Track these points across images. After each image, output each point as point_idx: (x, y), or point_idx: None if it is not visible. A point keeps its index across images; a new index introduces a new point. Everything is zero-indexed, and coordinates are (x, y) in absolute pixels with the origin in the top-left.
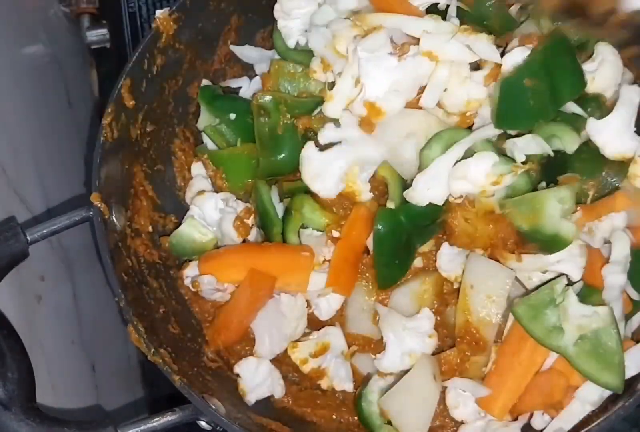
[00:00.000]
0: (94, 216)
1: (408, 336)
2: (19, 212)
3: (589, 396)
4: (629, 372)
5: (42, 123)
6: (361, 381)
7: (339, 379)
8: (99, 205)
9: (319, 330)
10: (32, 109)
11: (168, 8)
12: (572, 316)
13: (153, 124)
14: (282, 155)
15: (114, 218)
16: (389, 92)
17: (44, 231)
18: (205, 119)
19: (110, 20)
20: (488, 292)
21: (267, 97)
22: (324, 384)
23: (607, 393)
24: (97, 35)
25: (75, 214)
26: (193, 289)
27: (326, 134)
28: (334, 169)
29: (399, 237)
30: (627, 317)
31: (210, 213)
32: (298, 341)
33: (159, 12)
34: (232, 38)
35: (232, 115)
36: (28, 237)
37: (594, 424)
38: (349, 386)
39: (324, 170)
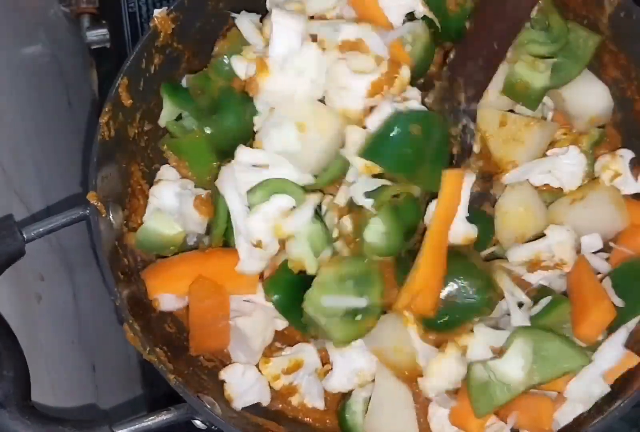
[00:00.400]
0: (91, 214)
1: (356, 354)
2: (19, 211)
3: (575, 394)
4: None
5: (41, 123)
6: (336, 397)
7: (311, 396)
8: (96, 204)
9: (292, 346)
10: (32, 109)
11: (166, 7)
12: (508, 379)
13: (151, 123)
14: (228, 121)
15: (110, 217)
16: (290, 62)
17: (41, 229)
18: (167, 115)
19: (110, 20)
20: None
21: (195, 76)
22: (294, 400)
23: (596, 391)
24: (97, 35)
25: (72, 212)
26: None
27: (241, 158)
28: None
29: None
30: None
31: (170, 201)
32: (272, 356)
33: (157, 11)
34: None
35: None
36: (24, 235)
37: (590, 425)
38: (320, 404)
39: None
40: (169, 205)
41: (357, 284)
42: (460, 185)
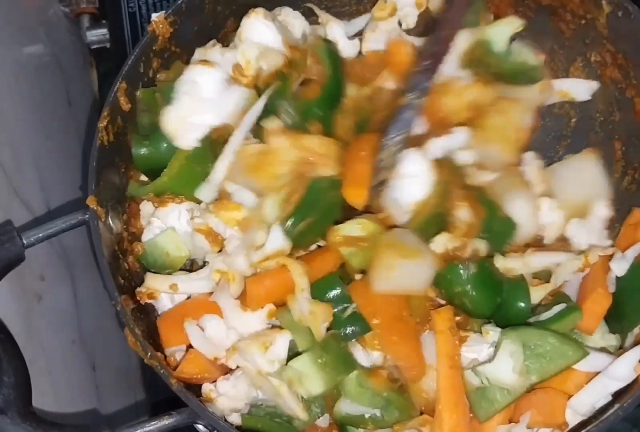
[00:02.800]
0: (90, 219)
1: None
2: (19, 211)
3: (580, 408)
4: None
5: (42, 123)
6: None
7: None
8: (95, 208)
9: None
10: (32, 109)
11: (164, 11)
12: (501, 382)
13: None
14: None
15: (110, 222)
16: None
17: (40, 235)
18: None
19: (110, 20)
20: None
21: (145, 90)
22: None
23: (600, 404)
24: (97, 35)
25: (72, 217)
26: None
27: None
28: None
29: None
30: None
31: (175, 225)
32: None
33: (154, 15)
34: (228, 41)
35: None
36: (24, 241)
37: (592, 425)
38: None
39: None
40: (178, 229)
41: (384, 408)
42: (451, 321)
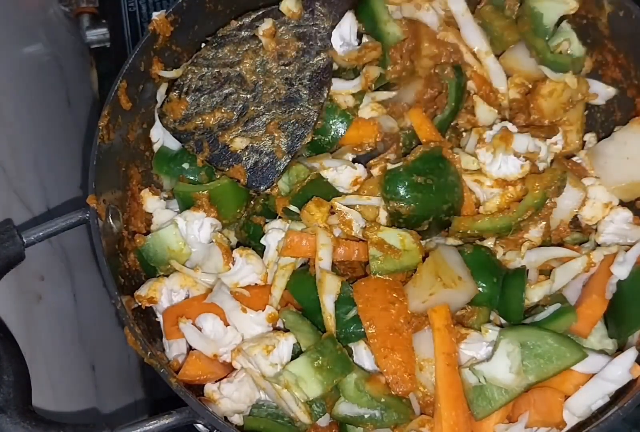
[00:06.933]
0: (90, 218)
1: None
2: (19, 211)
3: (576, 409)
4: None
5: (42, 122)
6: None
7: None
8: (95, 207)
9: None
10: (32, 109)
11: (164, 10)
12: (498, 381)
13: (150, 126)
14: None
15: (110, 220)
16: None
17: (40, 233)
18: (168, 184)
19: (110, 20)
20: None
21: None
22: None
23: (596, 405)
24: (97, 34)
25: (72, 216)
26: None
27: None
28: None
29: None
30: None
31: (195, 232)
32: None
33: (155, 14)
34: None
35: (186, 165)
36: (24, 240)
37: (593, 425)
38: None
39: None
40: (191, 235)
41: (383, 410)
42: (448, 319)
